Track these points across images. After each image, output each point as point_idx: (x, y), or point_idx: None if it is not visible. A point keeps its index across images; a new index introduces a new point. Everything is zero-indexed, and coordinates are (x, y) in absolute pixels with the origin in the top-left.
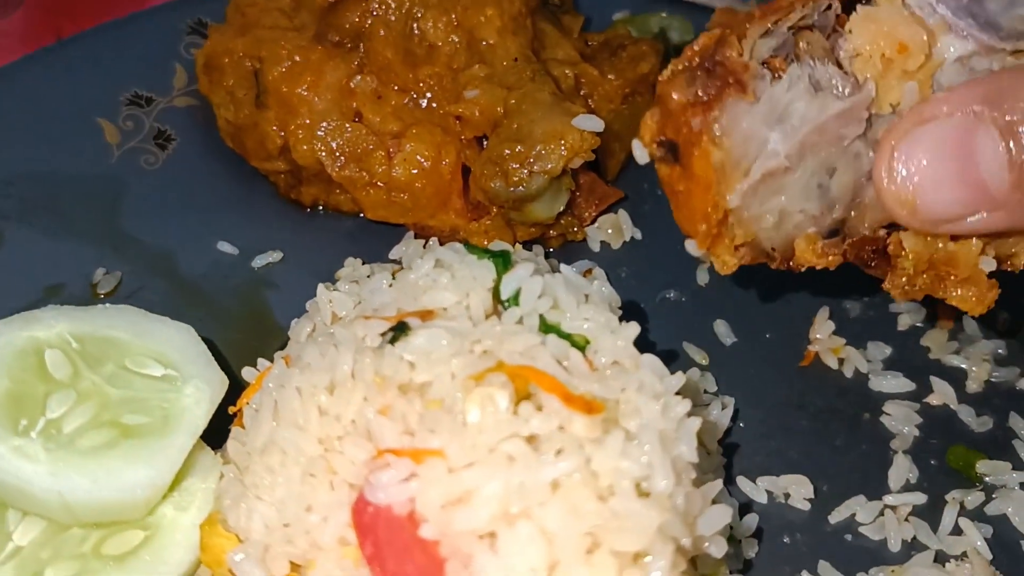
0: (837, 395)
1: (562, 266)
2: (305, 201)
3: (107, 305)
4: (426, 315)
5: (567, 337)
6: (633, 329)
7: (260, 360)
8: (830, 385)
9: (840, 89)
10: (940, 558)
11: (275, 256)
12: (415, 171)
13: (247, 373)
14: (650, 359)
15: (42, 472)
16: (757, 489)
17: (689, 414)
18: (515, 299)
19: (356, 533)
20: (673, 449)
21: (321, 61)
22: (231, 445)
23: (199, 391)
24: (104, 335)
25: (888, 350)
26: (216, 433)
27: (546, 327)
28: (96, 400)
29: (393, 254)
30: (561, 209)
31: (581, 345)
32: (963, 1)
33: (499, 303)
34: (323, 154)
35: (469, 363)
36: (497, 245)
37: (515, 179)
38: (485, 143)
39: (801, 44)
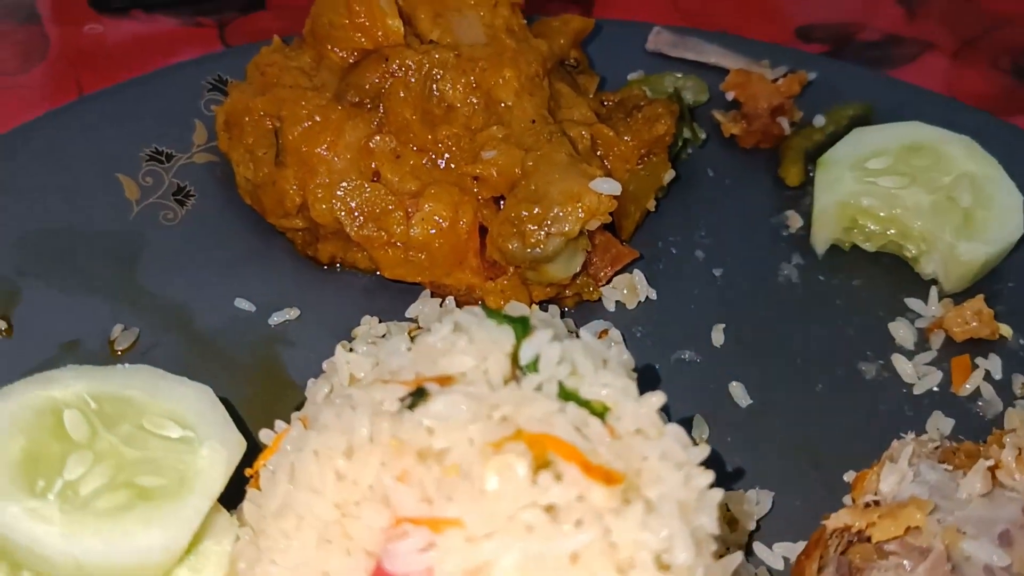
0: None
1: (581, 331)
2: (322, 258)
3: (125, 365)
4: (445, 380)
5: (586, 404)
6: (659, 398)
7: (277, 422)
8: None
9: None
10: None
11: (292, 313)
12: (433, 231)
13: (264, 435)
14: (674, 429)
15: (56, 534)
16: (774, 555)
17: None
18: (534, 365)
19: None
20: (694, 520)
21: (341, 121)
22: (247, 507)
23: (215, 453)
24: (121, 395)
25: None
26: (231, 494)
27: (565, 394)
28: (113, 461)
29: (409, 312)
30: (577, 270)
31: (600, 412)
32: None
33: (517, 368)
34: (342, 214)
35: (488, 429)
36: (515, 309)
37: (532, 240)
38: (502, 203)
39: (855, 560)
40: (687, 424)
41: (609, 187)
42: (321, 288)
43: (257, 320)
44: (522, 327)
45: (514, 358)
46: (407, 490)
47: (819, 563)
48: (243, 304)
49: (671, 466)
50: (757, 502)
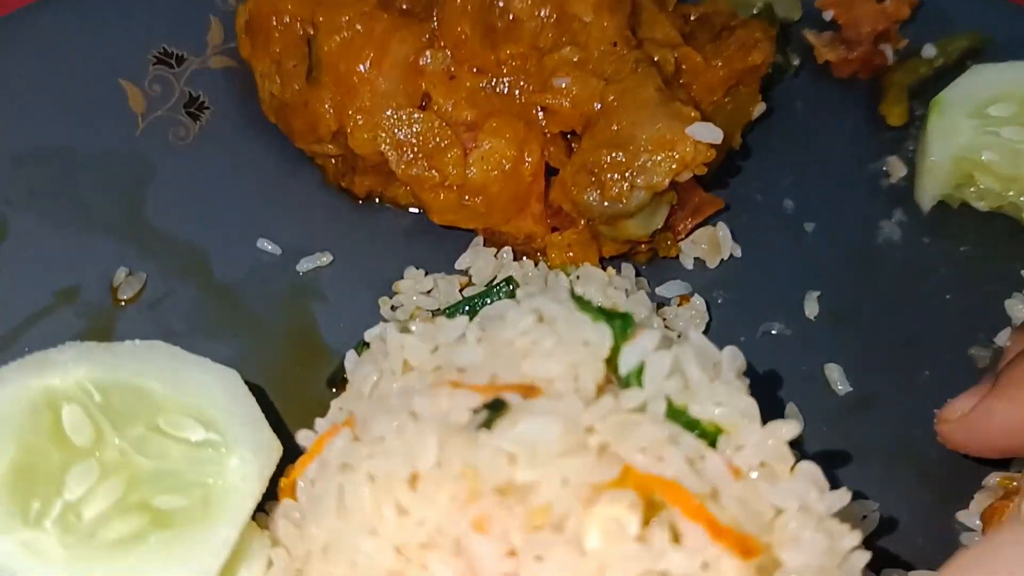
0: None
1: (692, 333)
2: (358, 193)
3: (136, 342)
4: (528, 391)
5: (696, 426)
6: (791, 428)
7: (318, 420)
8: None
9: None
10: None
11: (323, 259)
12: (494, 172)
13: (303, 437)
14: (809, 467)
15: (58, 574)
16: None
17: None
18: (637, 376)
19: None
20: None
21: (386, 32)
22: (282, 525)
23: (247, 463)
24: (132, 384)
25: None
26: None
27: (673, 412)
28: (124, 475)
29: (460, 264)
30: (660, 226)
31: (712, 433)
32: None
33: (615, 376)
34: (387, 147)
35: (587, 467)
36: (593, 283)
37: (613, 192)
38: (573, 141)
39: None
40: (778, 411)
41: (709, 133)
42: (356, 229)
43: (284, 266)
44: (622, 326)
45: (610, 363)
46: (488, 544)
47: None
48: (267, 245)
49: (812, 522)
50: (864, 516)
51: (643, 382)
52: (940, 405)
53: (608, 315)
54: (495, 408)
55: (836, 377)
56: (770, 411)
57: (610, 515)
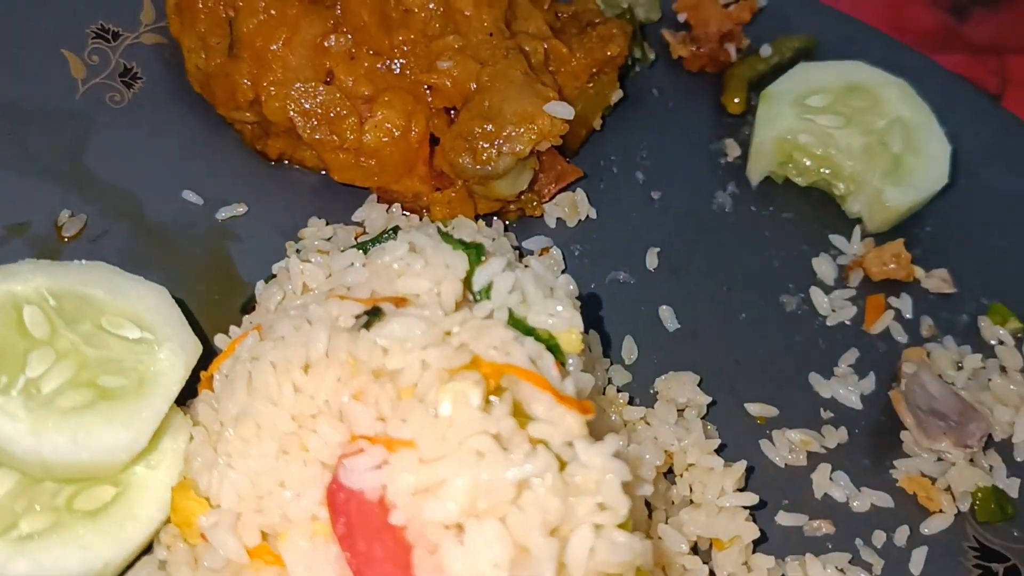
0: None
1: (532, 260)
2: (271, 154)
3: (83, 262)
4: (400, 302)
5: (533, 332)
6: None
7: (232, 327)
8: None
9: None
10: None
11: (239, 209)
12: (385, 138)
13: (220, 340)
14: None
15: (23, 431)
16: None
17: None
18: (486, 292)
19: (329, 513)
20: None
21: (297, 17)
22: (201, 408)
23: (174, 355)
24: (80, 292)
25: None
26: (182, 392)
27: (514, 320)
28: (74, 360)
29: (356, 216)
30: (524, 188)
31: (545, 339)
32: None
33: (470, 293)
34: (295, 115)
35: (443, 355)
36: (463, 228)
37: (483, 157)
38: (453, 114)
39: None
40: (619, 344)
41: (563, 110)
42: (268, 184)
43: (205, 213)
44: (476, 253)
45: (467, 283)
46: (363, 409)
47: None
48: (191, 196)
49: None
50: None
51: (491, 296)
52: (752, 341)
53: (466, 245)
54: (373, 314)
55: (667, 316)
56: (615, 342)
57: (459, 389)
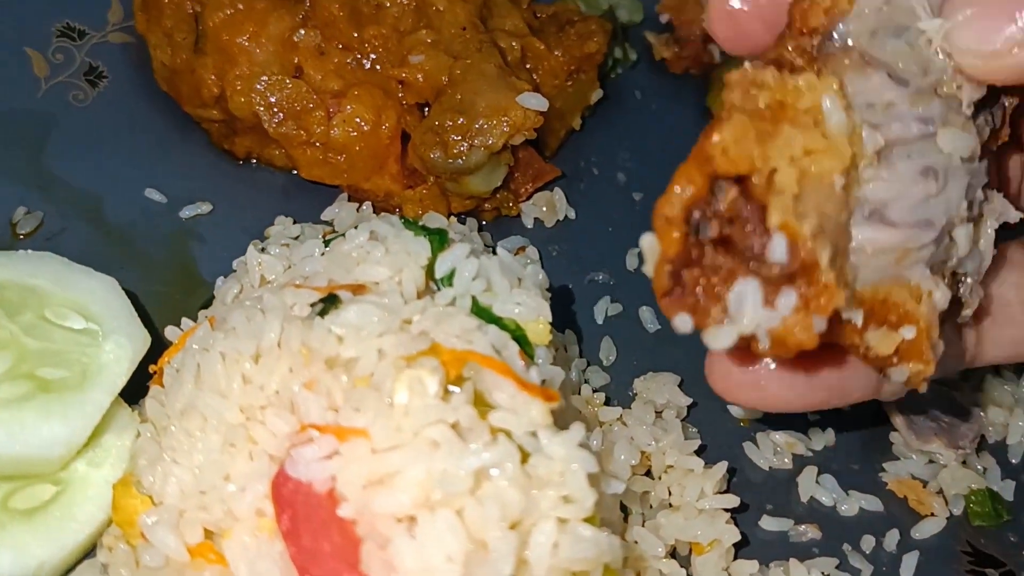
0: None
1: (498, 248)
2: (238, 153)
3: (29, 252)
4: (358, 289)
5: (498, 321)
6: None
7: (184, 319)
8: None
9: None
10: None
11: (204, 208)
12: (354, 133)
13: (170, 332)
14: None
15: None
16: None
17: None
18: (449, 279)
19: (274, 507)
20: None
21: (265, 11)
22: (149, 404)
23: (120, 347)
24: (24, 283)
25: None
26: (134, 389)
27: (478, 309)
28: (13, 351)
29: (325, 215)
30: (498, 184)
31: (512, 329)
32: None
33: (432, 281)
34: (260, 108)
35: (400, 342)
36: (433, 221)
37: (455, 151)
38: (426, 110)
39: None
40: (596, 345)
41: (536, 102)
42: (235, 183)
43: (168, 212)
44: (439, 240)
45: (429, 271)
46: (314, 398)
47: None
48: (154, 195)
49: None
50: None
51: (453, 283)
52: None
53: (428, 231)
54: (329, 301)
55: (648, 317)
56: (593, 343)
57: (415, 376)
